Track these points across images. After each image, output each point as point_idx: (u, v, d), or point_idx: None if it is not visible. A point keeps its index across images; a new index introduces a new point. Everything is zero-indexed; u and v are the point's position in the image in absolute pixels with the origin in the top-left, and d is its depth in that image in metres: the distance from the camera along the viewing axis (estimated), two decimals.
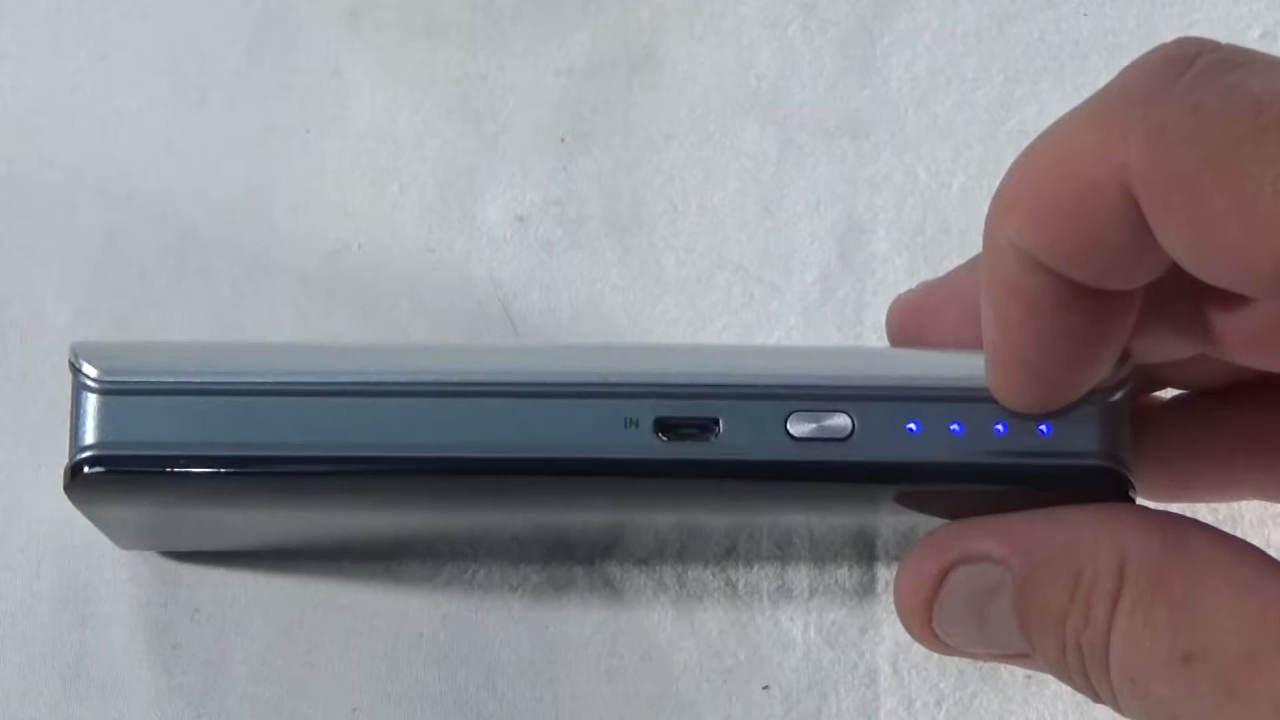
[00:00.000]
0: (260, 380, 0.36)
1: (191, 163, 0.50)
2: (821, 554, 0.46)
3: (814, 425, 0.36)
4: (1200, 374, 0.39)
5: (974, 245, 0.48)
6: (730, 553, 0.46)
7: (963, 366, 0.36)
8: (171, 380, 0.36)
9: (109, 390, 0.36)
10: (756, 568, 0.46)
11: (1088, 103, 0.32)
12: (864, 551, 0.46)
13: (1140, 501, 0.37)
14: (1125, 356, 0.36)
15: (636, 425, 0.36)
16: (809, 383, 0.36)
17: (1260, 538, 0.46)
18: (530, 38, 0.52)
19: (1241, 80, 0.30)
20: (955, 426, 0.36)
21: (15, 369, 0.48)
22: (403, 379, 0.36)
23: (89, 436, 0.36)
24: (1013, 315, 0.34)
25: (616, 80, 0.51)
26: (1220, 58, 0.30)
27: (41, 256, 0.49)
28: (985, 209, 0.49)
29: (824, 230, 0.50)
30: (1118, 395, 0.36)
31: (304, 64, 0.52)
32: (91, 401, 0.36)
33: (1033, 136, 0.49)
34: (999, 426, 0.36)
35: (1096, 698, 0.35)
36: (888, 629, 0.46)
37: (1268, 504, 0.45)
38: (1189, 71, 0.30)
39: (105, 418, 0.36)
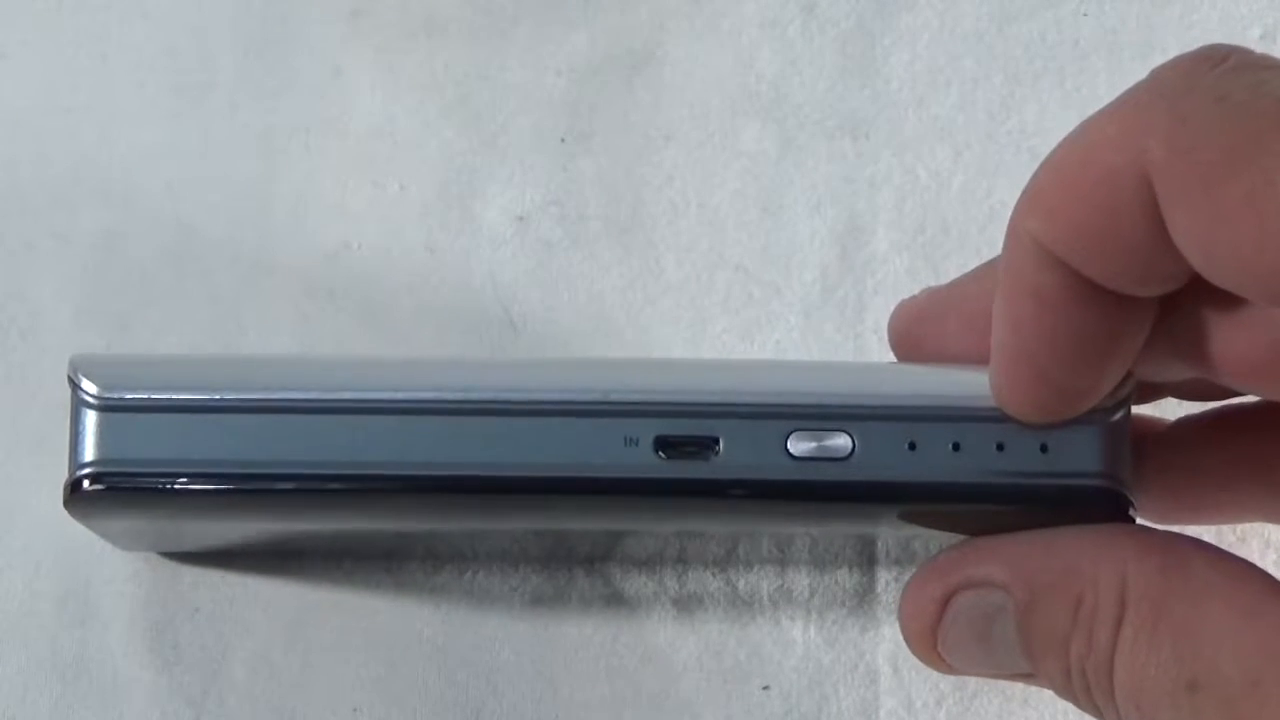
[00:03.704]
0: (260, 397, 0.36)
1: (191, 163, 0.50)
2: (821, 555, 0.46)
3: (814, 445, 0.36)
4: (1203, 389, 0.39)
5: (974, 245, 0.49)
6: (730, 554, 0.46)
7: (964, 386, 0.36)
8: (171, 397, 0.36)
9: (108, 407, 0.36)
10: (757, 569, 0.46)
11: (1117, 98, 0.32)
12: (864, 553, 0.46)
13: (1141, 521, 0.37)
14: (1127, 377, 0.36)
15: (636, 444, 0.36)
16: (809, 402, 0.36)
17: (1260, 538, 0.46)
18: (530, 38, 0.52)
19: (1270, 79, 0.30)
20: (955, 446, 0.36)
21: (15, 369, 0.48)
22: (402, 396, 0.36)
23: (88, 453, 0.36)
24: (1025, 312, 0.34)
25: (616, 80, 0.51)
26: (1252, 59, 0.30)
27: (41, 256, 0.49)
28: (985, 209, 0.49)
29: (824, 230, 0.50)
30: (1118, 415, 0.36)
31: (304, 64, 0.51)
32: (90, 418, 0.36)
33: (1033, 136, 0.50)
34: (999, 446, 0.36)
35: (1102, 719, 0.35)
36: (888, 629, 0.46)
37: None
38: (1219, 68, 0.30)
39: (104, 434, 0.36)
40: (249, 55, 0.51)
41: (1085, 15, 0.51)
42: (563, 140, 0.51)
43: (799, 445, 0.36)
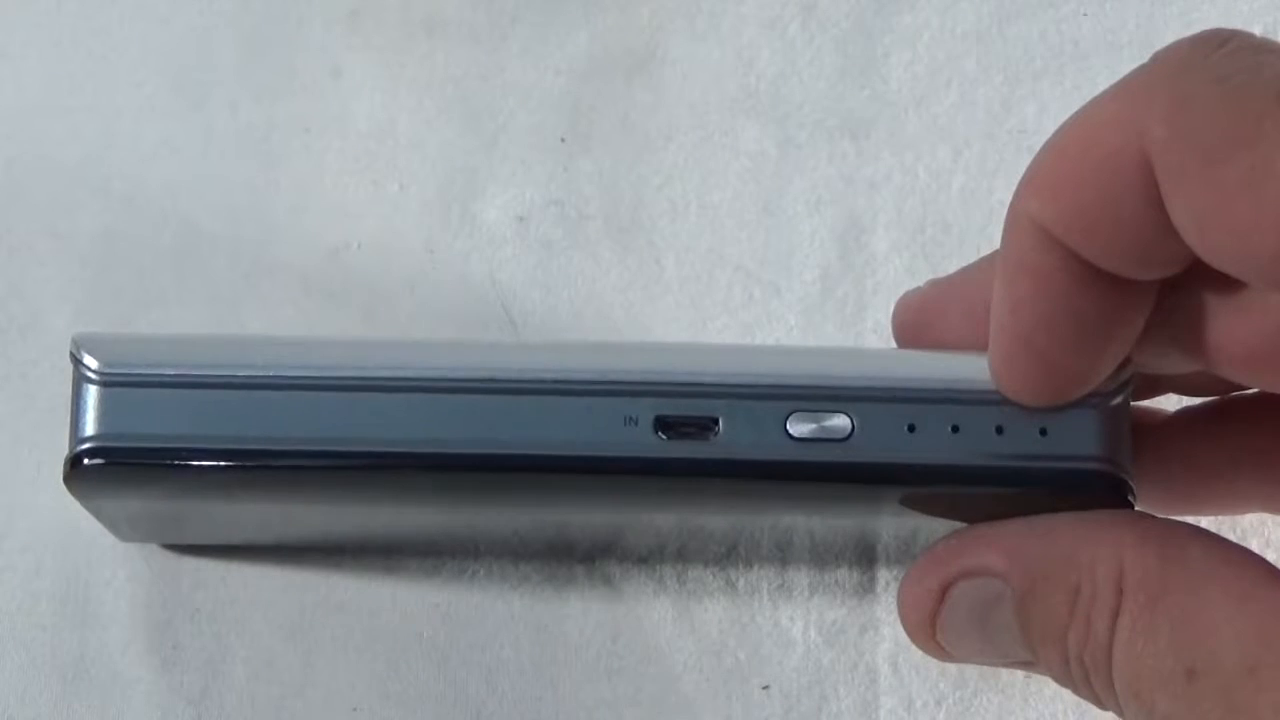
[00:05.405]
0: (261, 374, 0.36)
1: (191, 162, 0.50)
2: (822, 554, 0.46)
3: (814, 425, 0.36)
4: (1203, 383, 0.39)
5: (974, 245, 0.49)
6: (730, 552, 0.46)
7: (964, 368, 0.36)
8: (172, 373, 0.36)
9: (110, 382, 0.36)
10: (757, 567, 0.46)
11: (1118, 80, 0.32)
12: (864, 552, 0.46)
13: (1140, 507, 0.37)
14: (1126, 362, 0.36)
15: (636, 423, 0.36)
16: (809, 383, 0.36)
17: (1260, 538, 0.46)
18: (530, 38, 0.52)
19: (1271, 62, 0.30)
20: (955, 429, 0.36)
21: (15, 369, 0.48)
22: (403, 374, 0.36)
23: (89, 428, 0.36)
24: (1024, 293, 0.34)
25: (616, 80, 0.51)
26: (1254, 42, 0.30)
27: (41, 256, 0.49)
28: (985, 209, 0.49)
29: (824, 230, 0.50)
30: (1118, 399, 0.36)
31: (304, 64, 0.51)
32: (92, 393, 0.36)
33: (1033, 136, 0.50)
34: (999, 429, 0.36)
35: (1102, 706, 0.35)
36: (888, 629, 0.46)
37: None
38: (1220, 50, 0.30)
39: (106, 409, 0.36)
40: (249, 55, 0.51)
41: (1085, 15, 0.52)
42: (563, 140, 0.51)
43: (798, 426, 0.36)
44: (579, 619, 0.46)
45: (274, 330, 0.48)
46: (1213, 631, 0.32)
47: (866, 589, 0.46)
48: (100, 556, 0.46)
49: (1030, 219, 0.33)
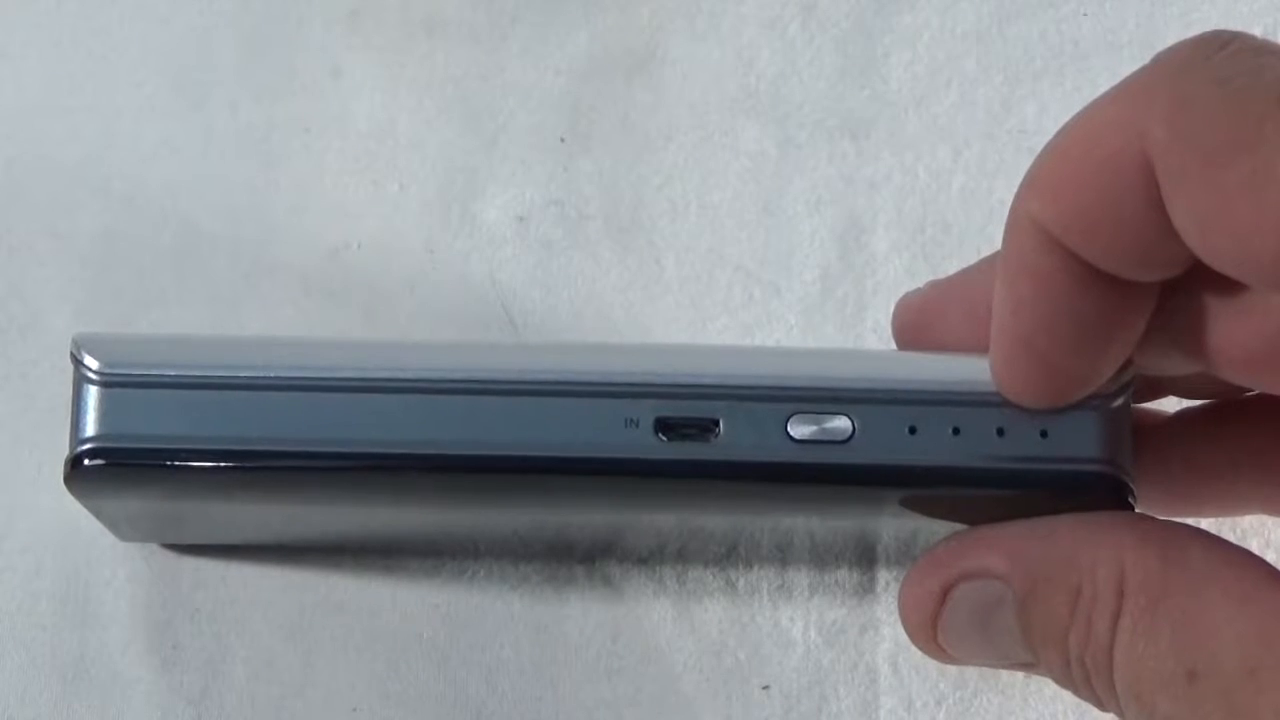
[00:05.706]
0: (261, 375, 0.36)
1: (191, 162, 0.50)
2: (822, 554, 0.46)
3: (814, 427, 0.36)
4: (1204, 385, 0.39)
5: (974, 245, 0.49)
6: (730, 553, 0.46)
7: (965, 370, 0.36)
8: (173, 373, 0.36)
9: (110, 382, 0.36)
10: (757, 568, 0.46)
11: (1120, 82, 0.32)
12: (864, 552, 0.46)
13: (1140, 509, 0.37)
14: (1127, 364, 0.36)
15: (637, 425, 0.36)
16: (810, 384, 0.36)
17: (1260, 538, 0.46)
18: (530, 38, 0.52)
19: (1272, 64, 0.30)
20: (956, 430, 0.36)
21: (15, 369, 0.48)
22: (404, 375, 0.36)
23: (89, 429, 0.36)
24: (1025, 295, 0.34)
25: (616, 80, 0.51)
26: (1255, 44, 0.30)
27: (41, 256, 0.49)
28: (985, 209, 0.49)
29: (824, 230, 0.50)
30: (1118, 401, 0.36)
31: (304, 64, 0.51)
32: (93, 394, 0.36)
33: (1033, 136, 0.50)
34: (1000, 431, 0.36)
35: (1103, 707, 0.35)
36: (888, 629, 0.46)
37: None
38: (1221, 52, 0.30)
39: (106, 410, 0.36)
40: (249, 55, 0.51)
41: (1085, 15, 0.52)
42: (563, 140, 0.51)
43: (799, 428, 0.36)
44: (579, 619, 0.46)
45: (274, 330, 0.48)
46: (1213, 633, 0.32)
47: (866, 589, 0.46)
48: (100, 556, 0.46)
49: (1031, 220, 0.33)
